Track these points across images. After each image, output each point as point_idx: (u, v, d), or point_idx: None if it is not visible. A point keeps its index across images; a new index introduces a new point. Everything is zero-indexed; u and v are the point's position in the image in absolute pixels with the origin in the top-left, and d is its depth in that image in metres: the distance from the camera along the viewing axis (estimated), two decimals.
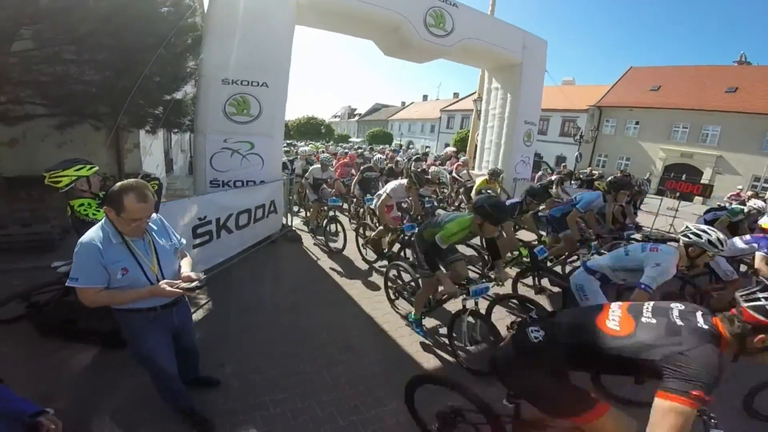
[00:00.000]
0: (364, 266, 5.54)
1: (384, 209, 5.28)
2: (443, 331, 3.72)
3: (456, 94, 41.34)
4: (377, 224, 5.78)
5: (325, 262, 5.66)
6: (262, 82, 5.79)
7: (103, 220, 1.90)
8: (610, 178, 10.55)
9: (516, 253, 5.32)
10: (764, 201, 7.70)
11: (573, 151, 20.94)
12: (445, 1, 7.60)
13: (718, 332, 1.34)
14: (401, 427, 2.54)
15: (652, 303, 1.54)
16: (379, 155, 10.99)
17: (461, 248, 4.09)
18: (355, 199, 7.82)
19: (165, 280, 1.94)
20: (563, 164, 15.91)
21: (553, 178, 8.66)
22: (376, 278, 5.12)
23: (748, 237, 4.36)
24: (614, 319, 1.52)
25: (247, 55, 5.60)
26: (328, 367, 3.11)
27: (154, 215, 2.05)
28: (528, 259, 4.86)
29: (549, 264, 5.09)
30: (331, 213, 6.15)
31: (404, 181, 5.42)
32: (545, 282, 4.82)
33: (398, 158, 11.39)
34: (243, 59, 5.58)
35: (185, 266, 2.15)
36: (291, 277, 5.02)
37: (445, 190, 9.89)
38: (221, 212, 4.87)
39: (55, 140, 6.33)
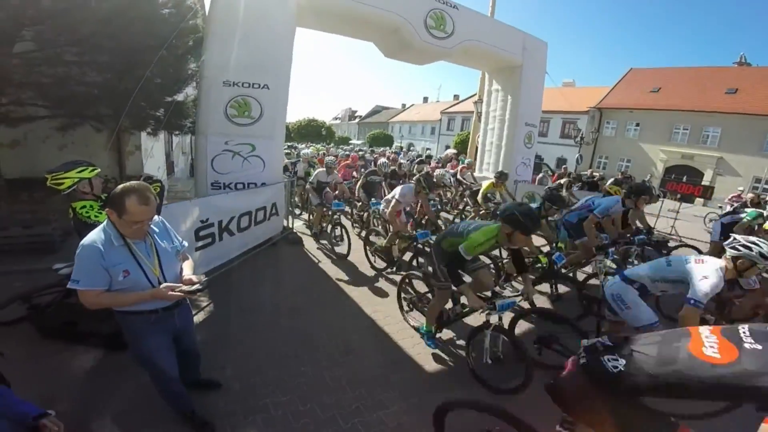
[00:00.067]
0: (364, 269, 5.51)
1: (395, 215, 5.18)
2: (459, 342, 3.62)
3: (456, 96, 41.37)
4: (386, 230, 5.67)
5: (326, 265, 5.65)
6: (263, 84, 5.80)
7: (104, 223, 1.90)
8: (611, 181, 10.55)
9: (529, 260, 5.13)
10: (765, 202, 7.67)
11: (574, 152, 20.95)
12: (446, 3, 7.62)
13: None
14: (403, 429, 2.53)
15: (747, 326, 1.49)
16: (383, 159, 10.86)
17: None
18: (359, 203, 7.65)
19: (166, 284, 1.94)
20: (564, 166, 15.93)
21: (563, 181, 8.62)
22: (377, 280, 5.12)
23: None
24: (711, 345, 1.44)
25: (248, 57, 5.61)
26: (329, 369, 3.10)
27: (156, 217, 2.05)
28: (542, 267, 4.60)
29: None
30: (335, 217, 6.08)
31: (412, 185, 5.31)
32: (540, 286, 4.71)
33: (401, 161, 11.34)
34: (244, 61, 5.59)
35: (187, 269, 2.16)
36: (292, 279, 5.01)
37: (449, 194, 9.90)
38: (223, 214, 4.87)
39: (56, 142, 6.35)
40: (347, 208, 7.49)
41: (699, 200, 14.67)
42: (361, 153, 16.55)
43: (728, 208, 10.58)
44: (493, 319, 2.94)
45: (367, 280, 5.12)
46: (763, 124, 18.84)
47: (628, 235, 4.96)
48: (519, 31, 9.35)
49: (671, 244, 6.95)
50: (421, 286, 4.02)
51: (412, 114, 46.18)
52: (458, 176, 9.66)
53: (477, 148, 11.78)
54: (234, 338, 3.44)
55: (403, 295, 4.08)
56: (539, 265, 4.46)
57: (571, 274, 5.03)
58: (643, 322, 2.73)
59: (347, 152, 16.17)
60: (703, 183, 17.74)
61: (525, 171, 10.47)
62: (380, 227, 6.28)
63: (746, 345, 1.38)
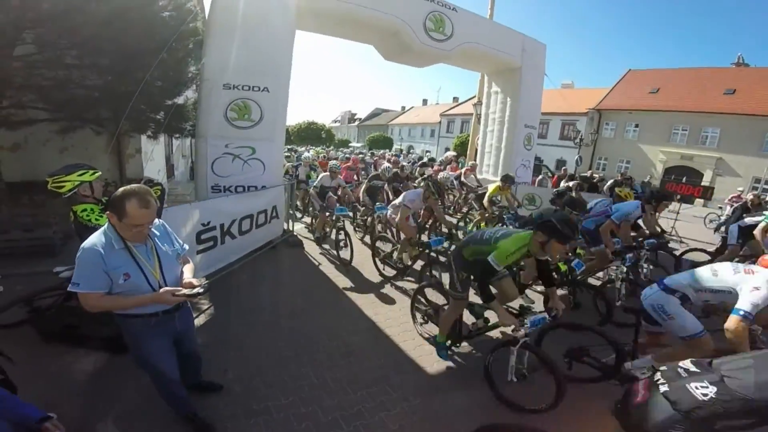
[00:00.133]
0: (367, 273, 5.47)
1: (404, 221, 5.04)
2: (462, 347, 3.47)
3: (456, 99, 41.46)
4: (392, 235, 5.53)
5: (327, 268, 5.64)
6: (263, 87, 5.81)
7: (105, 226, 1.90)
8: (610, 182, 10.54)
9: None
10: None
11: (573, 154, 20.97)
12: (445, 6, 7.66)
13: None
14: None
15: None
16: (386, 164, 10.81)
17: None
18: (363, 208, 7.53)
19: (167, 287, 1.94)
20: (564, 168, 15.92)
21: (572, 184, 8.55)
22: (381, 285, 5.11)
23: None
24: None
25: (248, 60, 5.62)
26: (331, 371, 3.09)
27: (156, 221, 2.05)
28: (565, 274, 4.45)
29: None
30: (339, 223, 5.97)
31: (420, 190, 5.23)
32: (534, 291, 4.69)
33: (404, 163, 11.30)
34: (244, 64, 5.61)
35: (187, 272, 2.15)
36: (293, 282, 5.01)
37: (451, 197, 9.88)
38: (226, 218, 4.86)
39: (56, 145, 6.36)
40: (350, 213, 7.42)
41: (699, 201, 14.68)
42: (361, 156, 16.53)
43: (728, 209, 10.61)
44: (520, 335, 2.68)
45: (369, 284, 5.10)
46: (762, 125, 18.88)
47: (640, 239, 4.86)
48: (518, 32, 9.39)
49: (672, 245, 6.92)
50: (437, 297, 3.72)
51: (412, 116, 46.27)
52: (462, 179, 9.64)
53: (477, 150, 11.79)
54: (235, 340, 3.43)
55: (417, 306, 3.85)
56: (561, 272, 4.30)
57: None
58: (689, 332, 2.62)
59: (347, 155, 16.17)
60: (702, 183, 17.74)
61: (525, 173, 10.49)
62: (387, 233, 6.15)
63: None
